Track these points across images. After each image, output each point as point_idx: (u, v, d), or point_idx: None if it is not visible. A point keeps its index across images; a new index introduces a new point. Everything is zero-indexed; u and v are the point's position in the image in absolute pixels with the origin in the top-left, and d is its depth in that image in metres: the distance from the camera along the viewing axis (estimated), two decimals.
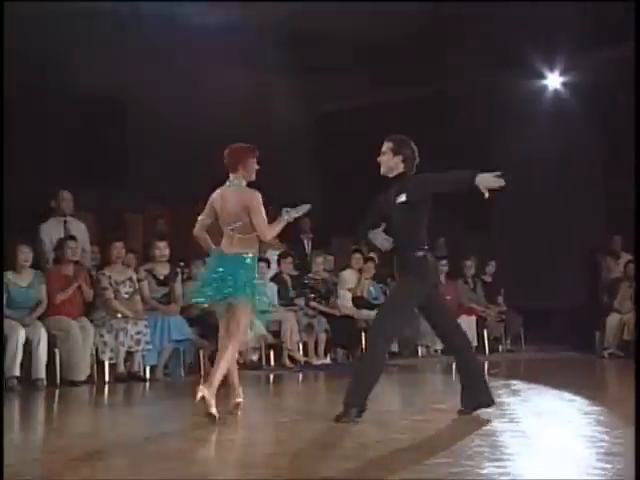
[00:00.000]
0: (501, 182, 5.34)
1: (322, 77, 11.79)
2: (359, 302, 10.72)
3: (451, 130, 11.45)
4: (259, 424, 6.40)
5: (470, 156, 9.71)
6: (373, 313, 10.42)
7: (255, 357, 9.73)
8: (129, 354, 8.68)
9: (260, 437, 5.70)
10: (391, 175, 5.87)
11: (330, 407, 7.25)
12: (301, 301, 10.36)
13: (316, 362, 9.99)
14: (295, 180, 12.16)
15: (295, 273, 10.73)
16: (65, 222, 9.20)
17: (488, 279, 11.96)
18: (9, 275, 8.29)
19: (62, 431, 6.02)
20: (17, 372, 7.88)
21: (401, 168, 5.86)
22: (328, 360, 10.21)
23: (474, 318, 11.31)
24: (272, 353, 9.84)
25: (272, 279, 10.35)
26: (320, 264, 10.77)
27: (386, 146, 5.89)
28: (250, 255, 5.96)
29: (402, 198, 5.75)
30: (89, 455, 4.69)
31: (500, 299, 11.81)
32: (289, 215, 6.08)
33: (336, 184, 12.24)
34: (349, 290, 10.75)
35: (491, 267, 11.94)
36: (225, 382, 5.90)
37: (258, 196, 5.97)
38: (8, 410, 6.94)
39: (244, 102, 11.38)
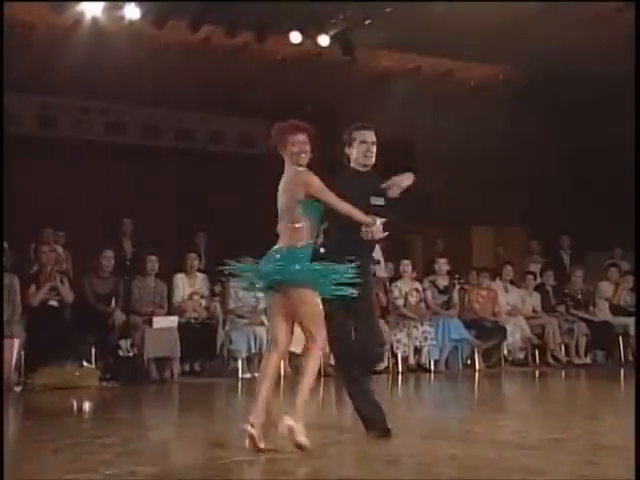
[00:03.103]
0: None
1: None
2: (616, 310, 10.34)
3: None
4: (527, 413, 6.39)
5: None
6: (628, 320, 10.12)
7: (522, 355, 9.73)
8: (417, 349, 9.02)
9: (530, 424, 5.63)
10: (368, 169, 4.52)
11: (589, 402, 7.14)
12: (562, 308, 10.17)
13: (577, 361, 9.77)
14: (554, 205, 11.99)
15: (555, 284, 10.57)
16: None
17: None
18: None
19: None
20: (332, 362, 8.42)
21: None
22: (588, 360, 9.94)
23: None
24: (537, 352, 9.73)
25: (536, 289, 10.27)
26: (579, 276, 10.54)
27: (373, 135, 4.52)
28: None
29: (380, 201, 4.42)
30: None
31: None
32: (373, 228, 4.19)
33: (590, 207, 11.89)
34: (606, 299, 10.42)
35: None
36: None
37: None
38: (327, 389, 7.46)
39: (509, 136, 11.40)
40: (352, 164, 4.51)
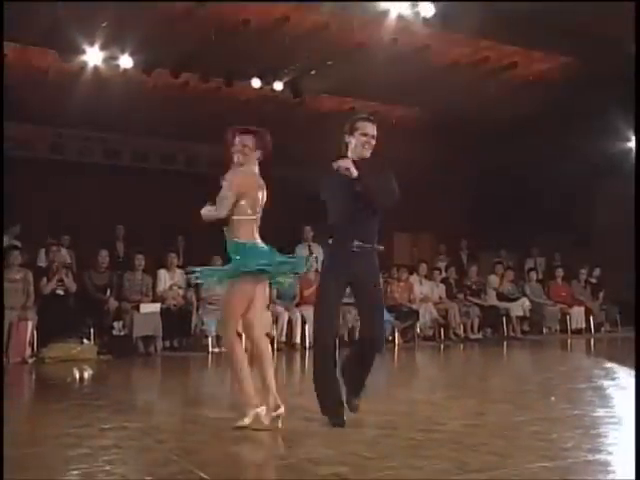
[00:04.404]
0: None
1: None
2: (501, 296, 10.50)
3: None
4: (434, 377, 6.46)
5: None
6: (510, 304, 10.34)
7: (431, 333, 9.78)
8: (350, 329, 8.99)
9: (435, 385, 5.70)
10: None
11: (480, 368, 7.28)
12: (461, 296, 10.28)
13: (472, 337, 9.86)
14: (456, 217, 12.19)
15: (457, 277, 10.74)
16: (309, 246, 9.52)
17: (594, 280, 11.44)
18: (280, 278, 8.79)
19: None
20: (284, 338, 8.35)
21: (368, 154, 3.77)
22: (480, 335, 10.02)
23: (583, 308, 10.85)
24: (442, 330, 9.80)
25: (442, 281, 10.37)
26: (474, 271, 10.68)
27: (375, 128, 3.77)
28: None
29: (357, 188, 3.62)
30: None
31: (601, 295, 11.24)
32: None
33: (483, 218, 12.13)
34: (494, 289, 10.57)
35: (597, 272, 11.45)
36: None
37: None
38: (281, 362, 7.46)
39: (421, 162, 11.46)
40: (349, 153, 3.75)
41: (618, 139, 9.99)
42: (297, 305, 8.78)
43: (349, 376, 3.76)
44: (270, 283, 3.97)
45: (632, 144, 10.07)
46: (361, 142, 3.72)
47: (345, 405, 3.72)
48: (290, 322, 8.48)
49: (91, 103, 8.78)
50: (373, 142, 3.74)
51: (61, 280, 7.77)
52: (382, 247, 3.74)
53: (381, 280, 9.15)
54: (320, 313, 3.72)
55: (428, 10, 7.29)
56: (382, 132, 3.83)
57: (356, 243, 3.67)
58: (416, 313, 9.52)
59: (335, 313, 3.70)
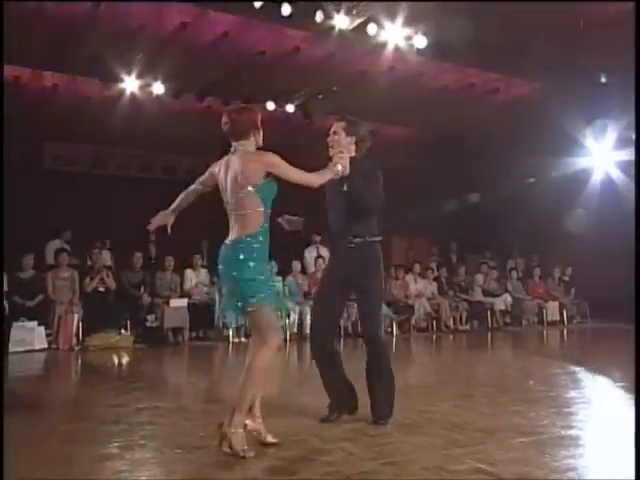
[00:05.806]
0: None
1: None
2: (486, 293, 10.47)
3: None
4: (426, 364, 6.41)
5: None
6: (494, 300, 10.32)
7: (424, 325, 9.76)
8: (353, 322, 8.99)
9: (428, 372, 5.67)
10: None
11: (467, 356, 7.26)
12: (451, 292, 10.27)
13: (461, 328, 9.85)
14: (447, 222, 12.14)
15: (447, 276, 10.71)
16: (317, 247, 9.65)
17: (567, 279, 11.42)
18: (290, 277, 8.82)
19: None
20: (295, 330, 8.30)
21: (352, 151, 3.32)
22: (468, 327, 10.01)
23: (557, 303, 10.83)
24: (434, 323, 9.78)
25: (434, 279, 10.33)
26: (462, 271, 10.65)
27: (338, 126, 3.38)
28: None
29: (344, 187, 3.21)
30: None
31: (573, 291, 11.20)
32: (337, 170, 2.98)
33: (470, 224, 12.07)
34: (479, 286, 10.56)
35: (569, 271, 11.44)
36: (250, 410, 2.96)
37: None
38: (293, 351, 7.48)
39: (418, 175, 11.44)
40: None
41: (587, 154, 10.00)
42: (306, 295, 8.68)
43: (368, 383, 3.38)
44: None
45: (596, 159, 10.08)
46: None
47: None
48: (301, 314, 8.45)
49: (128, 124, 8.86)
50: (334, 138, 3.35)
51: (102, 279, 7.86)
52: (379, 238, 3.35)
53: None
54: (315, 311, 3.41)
55: (421, 42, 7.33)
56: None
57: (350, 239, 3.32)
58: (411, 308, 9.54)
59: (332, 309, 3.36)
